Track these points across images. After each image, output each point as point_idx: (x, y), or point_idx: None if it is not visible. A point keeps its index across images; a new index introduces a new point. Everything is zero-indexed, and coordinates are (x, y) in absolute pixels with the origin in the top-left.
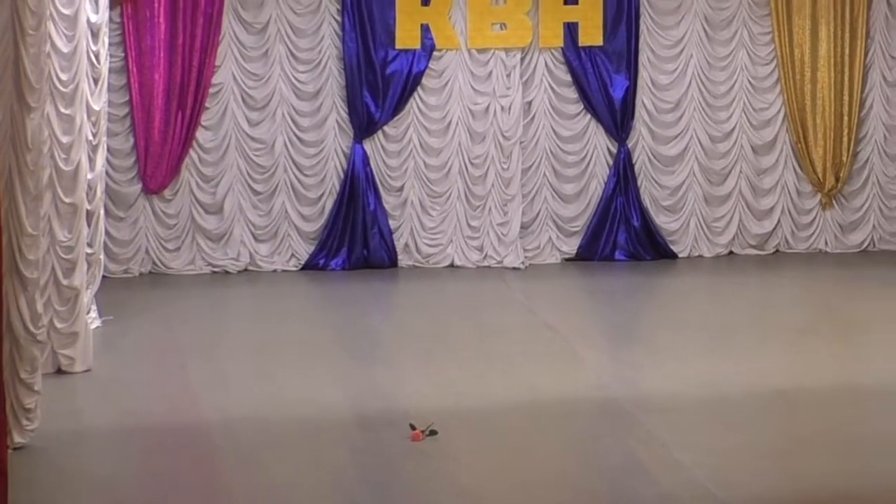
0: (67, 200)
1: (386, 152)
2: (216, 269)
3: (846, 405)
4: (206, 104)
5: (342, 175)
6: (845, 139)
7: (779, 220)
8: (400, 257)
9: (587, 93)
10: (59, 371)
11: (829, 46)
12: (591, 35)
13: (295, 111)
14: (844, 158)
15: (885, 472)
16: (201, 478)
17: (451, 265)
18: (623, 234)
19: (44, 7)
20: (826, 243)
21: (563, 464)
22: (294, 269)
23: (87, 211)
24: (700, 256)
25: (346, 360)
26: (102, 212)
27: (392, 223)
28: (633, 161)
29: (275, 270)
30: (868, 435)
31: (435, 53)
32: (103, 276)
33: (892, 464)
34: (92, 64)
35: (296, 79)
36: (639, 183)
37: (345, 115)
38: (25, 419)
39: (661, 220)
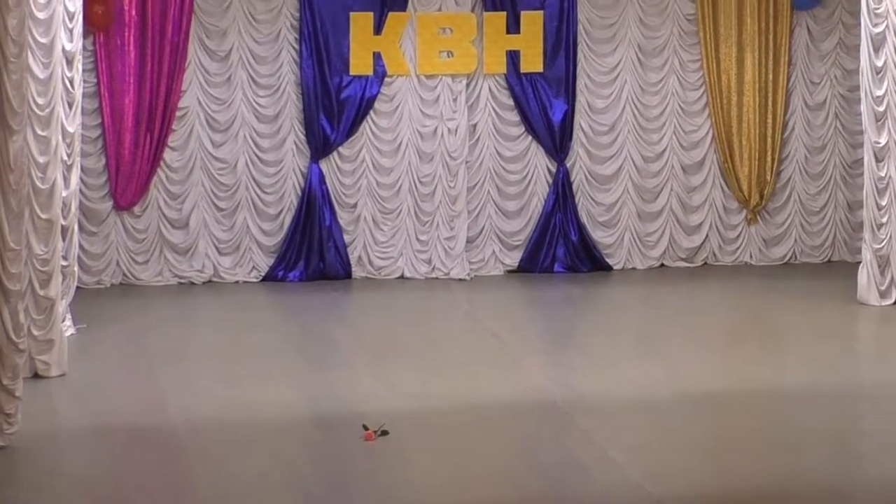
0: (44, 216)
1: (341, 171)
2: (182, 281)
3: (770, 407)
4: (173, 126)
5: (300, 192)
6: (769, 159)
7: (707, 235)
8: (354, 269)
9: (528, 116)
10: (36, 375)
11: (753, 72)
12: (532, 62)
13: (256, 133)
14: (768, 177)
15: (806, 470)
16: (169, 474)
17: (402, 277)
18: (562, 247)
19: (24, 36)
20: (751, 256)
21: (505, 461)
22: (255, 280)
23: (62, 226)
24: (634, 269)
25: (303, 364)
26: (76, 227)
27: (346, 237)
28: (571, 180)
29: (237, 282)
30: (790, 435)
31: (386, 79)
32: (77, 287)
33: (812, 461)
34: (66, 89)
35: (256, 103)
36: (576, 200)
37: (302, 137)
38: (6, 423)
39: (598, 235)
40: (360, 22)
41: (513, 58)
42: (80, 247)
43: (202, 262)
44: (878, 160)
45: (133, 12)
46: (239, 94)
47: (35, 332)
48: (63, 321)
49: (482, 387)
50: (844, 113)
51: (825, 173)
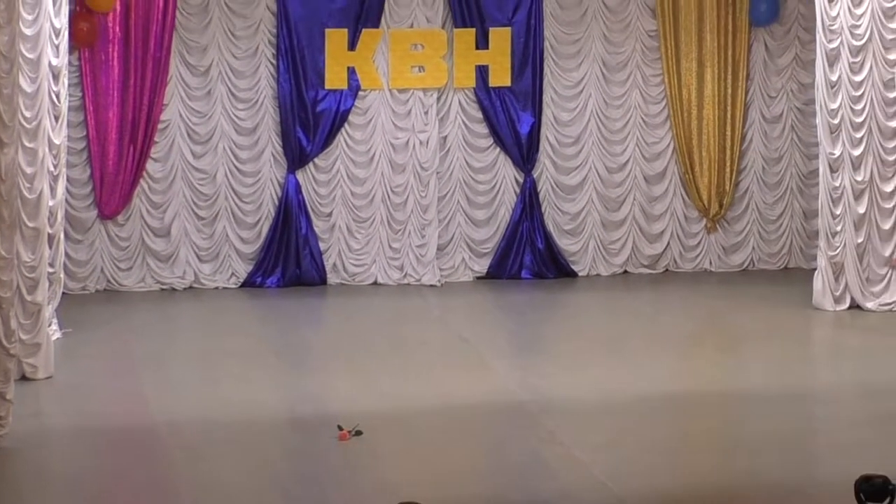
0: (31, 225)
1: (316, 182)
2: (164, 287)
3: (728, 407)
4: (155, 138)
5: (277, 202)
6: (728, 170)
7: (668, 243)
8: (329, 276)
9: (496, 128)
10: (24, 378)
11: (713, 86)
12: (500, 77)
13: (235, 145)
14: (727, 187)
15: (762, 468)
16: (152, 472)
17: (375, 283)
18: (529, 255)
19: (14, 52)
20: (710, 263)
21: (474, 460)
22: (234, 286)
23: (49, 234)
24: (598, 275)
25: (281, 367)
26: (62, 235)
27: (322, 245)
28: (538, 189)
29: (217, 288)
30: (747, 434)
31: (360, 93)
32: (63, 293)
33: (769, 460)
34: (53, 102)
35: (235, 116)
36: (543, 209)
37: (279, 149)
38: None
39: (563, 243)
40: (335, 38)
41: (482, 72)
42: (66, 254)
43: (183, 268)
44: (832, 171)
45: (117, 29)
46: (218, 108)
47: (23, 336)
48: (49, 325)
49: (452, 389)
50: (800, 125)
51: (782, 183)
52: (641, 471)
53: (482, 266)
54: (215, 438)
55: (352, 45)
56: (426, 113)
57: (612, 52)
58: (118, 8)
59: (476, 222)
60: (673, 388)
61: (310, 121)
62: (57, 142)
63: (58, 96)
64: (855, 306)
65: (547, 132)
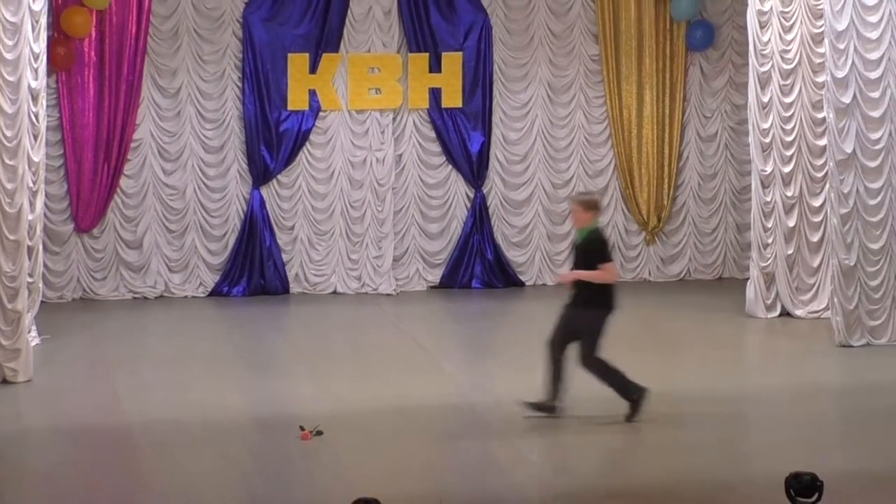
0: (12, 237)
1: (279, 197)
2: (136, 296)
3: (666, 409)
4: (128, 156)
5: (242, 216)
6: (666, 186)
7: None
8: (291, 285)
9: (449, 147)
10: (4, 381)
11: (652, 107)
12: (452, 98)
13: (203, 162)
14: (665, 202)
15: (698, 466)
16: (125, 470)
17: (335, 292)
18: (479, 265)
19: None
20: (650, 273)
21: (428, 459)
22: (202, 295)
23: (28, 246)
24: (544, 284)
25: (246, 371)
26: (41, 247)
27: (285, 256)
28: (488, 204)
29: (186, 296)
30: (685, 435)
31: (321, 114)
32: (41, 301)
33: (704, 458)
34: (32, 122)
35: (203, 135)
36: (492, 223)
37: (245, 166)
38: None
39: (511, 254)
40: (297, 62)
41: (435, 94)
42: (45, 265)
43: (154, 278)
44: (764, 186)
45: (92, 53)
46: (188, 127)
47: (3, 342)
48: (29, 332)
49: (407, 391)
50: (734, 144)
51: (716, 198)
52: (585, 468)
53: (435, 276)
54: (185, 439)
55: (313, 69)
56: (382, 132)
57: (557, 76)
58: (93, 34)
59: (429, 235)
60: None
61: (273, 140)
62: (36, 159)
63: (37, 117)
64: (785, 314)
65: (496, 150)
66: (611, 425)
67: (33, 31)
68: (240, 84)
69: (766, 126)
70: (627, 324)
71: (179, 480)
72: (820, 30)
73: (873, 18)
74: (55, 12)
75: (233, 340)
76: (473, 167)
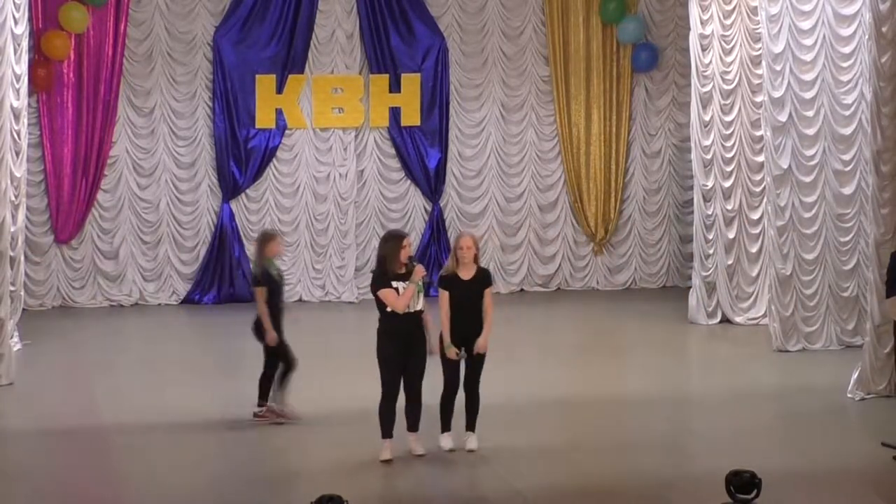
0: None
1: (248, 210)
2: (113, 303)
3: (613, 411)
4: (105, 172)
5: (213, 228)
6: (613, 200)
7: (560, 264)
8: None
9: (408, 163)
10: None
11: (599, 126)
12: (411, 117)
13: (175, 177)
14: (612, 215)
15: (643, 465)
16: (102, 468)
17: (300, 300)
18: (437, 275)
19: None
20: (597, 282)
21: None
22: (175, 303)
23: (11, 256)
24: (498, 293)
25: (216, 374)
26: (22, 257)
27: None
28: (444, 217)
29: (159, 304)
30: (630, 435)
31: (287, 132)
32: (23, 309)
33: (649, 458)
34: (14, 140)
35: (176, 152)
36: (449, 234)
37: (215, 181)
38: None
39: None
40: (265, 83)
41: (394, 113)
42: (26, 274)
43: (130, 287)
44: (705, 200)
45: (71, 75)
46: (161, 145)
47: None
48: (11, 337)
49: (369, 392)
50: (677, 160)
51: (661, 211)
52: (537, 467)
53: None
54: (158, 437)
55: (279, 89)
56: (345, 149)
57: (509, 95)
58: (72, 56)
59: None
60: (563, 393)
61: (242, 156)
62: (18, 174)
63: (18, 134)
64: (726, 320)
65: (452, 166)
66: (560, 426)
67: (15, 53)
68: (210, 104)
69: (707, 143)
70: (577, 330)
71: (153, 478)
72: (758, 52)
73: (808, 41)
74: (36, 35)
75: (203, 345)
76: (431, 182)
